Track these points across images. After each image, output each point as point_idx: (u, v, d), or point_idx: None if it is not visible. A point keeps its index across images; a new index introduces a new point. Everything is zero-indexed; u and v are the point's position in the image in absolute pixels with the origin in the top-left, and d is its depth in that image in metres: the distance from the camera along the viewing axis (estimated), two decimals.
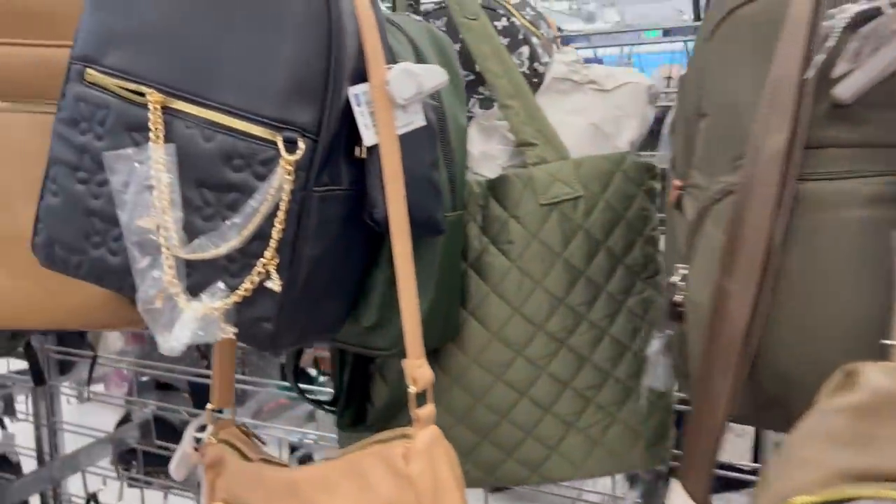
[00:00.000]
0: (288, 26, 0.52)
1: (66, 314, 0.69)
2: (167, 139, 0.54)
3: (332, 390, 0.84)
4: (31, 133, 0.68)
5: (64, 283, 0.68)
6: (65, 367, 1.49)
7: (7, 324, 0.70)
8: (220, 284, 0.53)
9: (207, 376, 1.28)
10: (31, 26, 0.67)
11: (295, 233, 0.53)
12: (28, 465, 1.53)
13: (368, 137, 0.55)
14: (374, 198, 0.56)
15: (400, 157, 0.56)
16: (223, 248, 0.52)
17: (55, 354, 1.46)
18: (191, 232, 0.54)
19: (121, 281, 0.57)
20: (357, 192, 0.57)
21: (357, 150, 0.56)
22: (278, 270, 0.53)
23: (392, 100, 0.56)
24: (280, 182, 0.52)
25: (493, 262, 0.71)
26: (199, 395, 1.55)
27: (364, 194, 0.57)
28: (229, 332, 0.53)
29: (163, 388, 1.60)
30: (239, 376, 1.49)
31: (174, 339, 0.53)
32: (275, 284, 0.53)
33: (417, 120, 0.58)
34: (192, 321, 0.53)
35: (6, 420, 1.55)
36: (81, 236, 0.58)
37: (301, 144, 0.52)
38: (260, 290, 0.53)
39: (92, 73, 0.56)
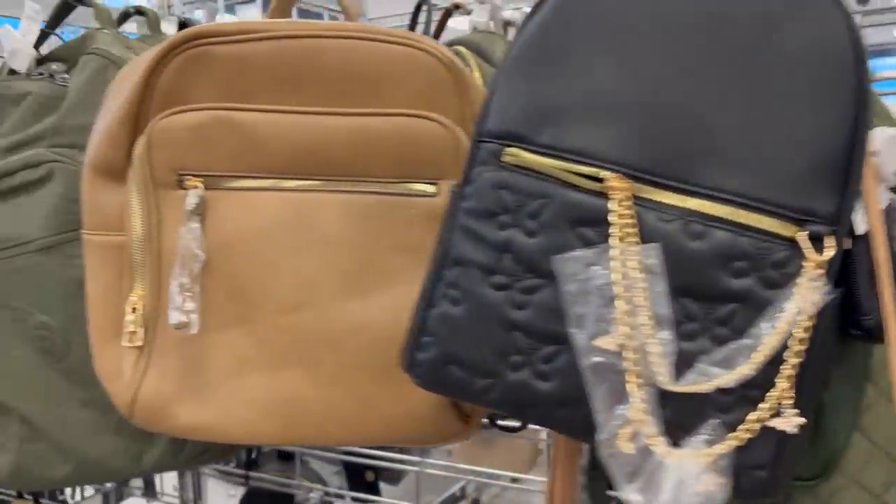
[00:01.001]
0: (811, 91, 0.42)
1: (383, 428, 0.58)
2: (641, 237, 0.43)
3: None
4: (342, 217, 0.57)
5: (381, 391, 0.57)
6: None
7: (310, 440, 0.58)
8: (713, 423, 0.43)
9: (363, 455, 1.17)
10: (350, 92, 0.56)
11: (809, 354, 0.42)
12: None
13: (860, 223, 0.46)
14: (862, 300, 0.46)
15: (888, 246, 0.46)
16: (730, 379, 0.42)
17: None
18: None
19: (549, 412, 0.46)
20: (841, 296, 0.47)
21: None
22: (796, 404, 0.42)
23: (879, 174, 0.46)
24: (805, 289, 0.41)
25: None
26: (353, 472, 1.42)
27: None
28: (724, 488, 0.42)
29: (284, 457, 1.46)
30: None
31: (660, 501, 0.42)
32: (788, 423, 0.42)
33: (885, 198, 0.49)
34: (679, 474, 0.42)
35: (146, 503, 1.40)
36: (495, 355, 0.46)
37: (830, 241, 0.42)
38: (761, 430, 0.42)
39: (517, 154, 0.45)
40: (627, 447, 0.43)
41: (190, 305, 0.54)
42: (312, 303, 0.57)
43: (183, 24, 0.90)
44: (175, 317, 0.53)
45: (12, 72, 0.74)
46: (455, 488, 1.61)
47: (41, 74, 0.72)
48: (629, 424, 0.43)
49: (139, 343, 0.56)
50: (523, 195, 0.45)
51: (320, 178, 0.56)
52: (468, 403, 0.57)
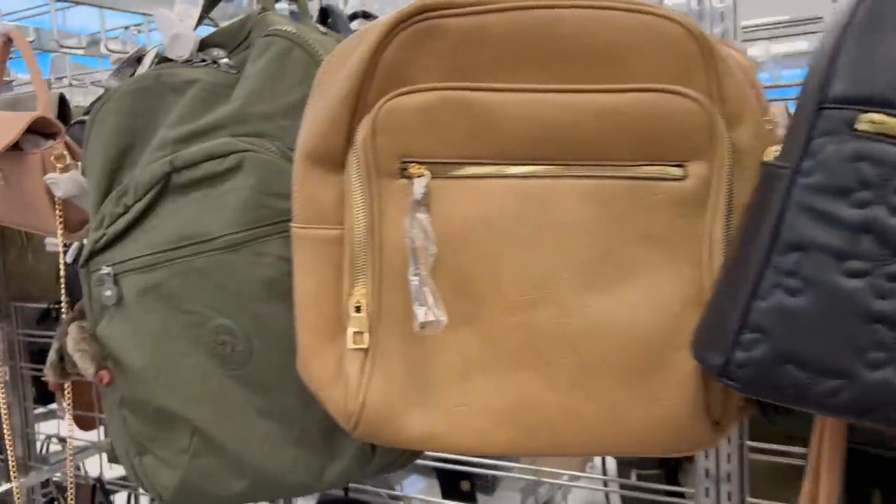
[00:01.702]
0: None
1: (629, 437, 0.52)
2: None
3: None
4: (581, 205, 0.51)
5: (628, 396, 0.52)
6: None
7: (547, 450, 0.53)
8: None
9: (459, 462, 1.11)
10: (589, 67, 0.51)
11: None
12: None
13: None
14: None
15: None
16: None
17: None
18: None
19: None
20: None
21: None
22: None
23: None
24: None
25: None
26: (449, 481, 1.37)
27: None
28: None
29: None
30: None
31: None
32: None
33: None
34: None
35: None
36: (849, 351, 0.41)
37: None
38: None
39: (882, 121, 0.40)
40: None
41: (434, 301, 0.49)
42: (548, 298, 0.51)
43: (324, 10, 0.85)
44: (423, 314, 0.48)
45: (163, 59, 0.69)
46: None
47: (203, 61, 0.67)
48: None
49: (365, 345, 0.51)
50: (889, 167, 0.39)
51: (556, 163, 0.51)
52: (726, 406, 0.52)
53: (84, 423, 1.78)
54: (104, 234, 0.65)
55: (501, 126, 0.50)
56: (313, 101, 0.54)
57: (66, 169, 0.82)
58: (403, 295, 0.51)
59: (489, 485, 1.50)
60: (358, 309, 0.51)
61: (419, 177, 0.51)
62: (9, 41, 0.87)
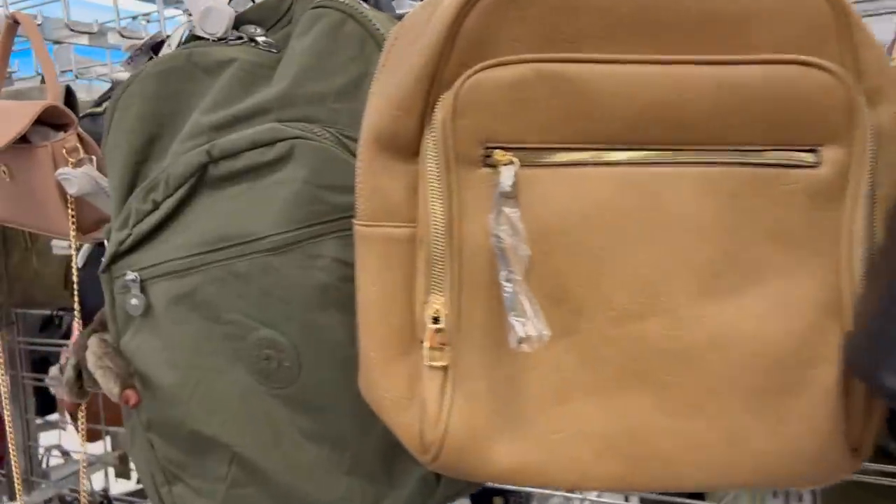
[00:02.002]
0: None
1: (755, 468, 0.45)
2: None
3: None
4: (698, 197, 0.44)
5: (755, 421, 0.44)
6: None
7: (659, 484, 0.46)
8: None
9: None
10: (706, 36, 0.43)
11: None
12: None
13: None
14: None
15: None
16: None
17: None
18: None
19: None
20: None
21: None
22: None
23: None
24: None
25: None
26: (481, 498, 1.29)
27: None
28: None
29: None
30: None
31: None
32: None
33: None
34: None
35: None
36: None
37: None
38: None
39: None
40: None
41: (533, 312, 0.41)
42: (659, 307, 0.44)
43: None
44: (521, 328, 0.40)
45: (193, 37, 0.62)
46: None
47: (240, 38, 0.60)
48: None
49: (445, 362, 0.43)
50: None
51: (664, 148, 0.44)
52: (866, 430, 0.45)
53: (89, 435, 1.71)
54: (129, 235, 0.57)
55: (601, 104, 0.43)
56: (382, 78, 0.46)
57: (79, 163, 0.74)
58: (487, 303, 0.44)
59: (523, 501, 1.42)
60: (436, 320, 0.43)
61: (507, 164, 0.43)
62: (15, 24, 0.79)
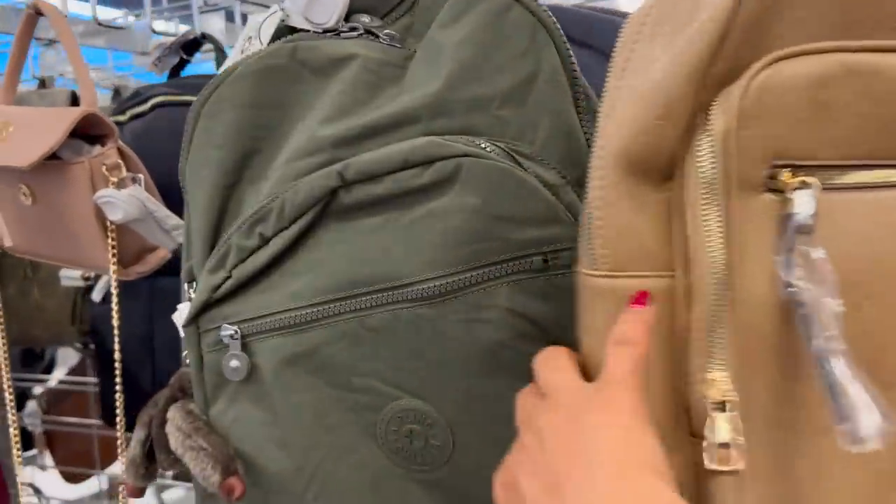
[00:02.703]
0: None
1: None
2: None
3: None
4: None
5: None
6: None
7: None
8: None
9: None
10: None
11: None
12: None
13: None
14: None
15: None
16: None
17: None
18: None
19: None
20: None
21: None
22: None
23: None
24: None
25: None
26: None
27: None
28: None
29: None
30: None
31: None
32: None
33: None
34: None
35: None
36: None
37: None
38: None
39: None
40: None
41: (871, 398, 0.30)
42: None
43: None
44: (865, 424, 0.29)
45: (292, 29, 0.50)
46: None
47: (354, 30, 0.48)
48: None
49: (739, 465, 0.32)
50: None
51: None
52: None
53: (74, 476, 1.57)
54: (227, 278, 0.44)
55: None
56: (625, 84, 0.35)
57: (121, 183, 0.61)
58: (772, 379, 0.33)
59: None
60: (724, 404, 0.32)
61: (799, 189, 0.32)
62: (36, 15, 0.65)
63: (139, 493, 0.50)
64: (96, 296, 0.84)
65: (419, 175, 0.40)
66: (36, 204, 0.65)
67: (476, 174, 0.40)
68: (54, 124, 0.60)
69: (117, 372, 0.67)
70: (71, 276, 0.90)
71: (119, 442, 0.70)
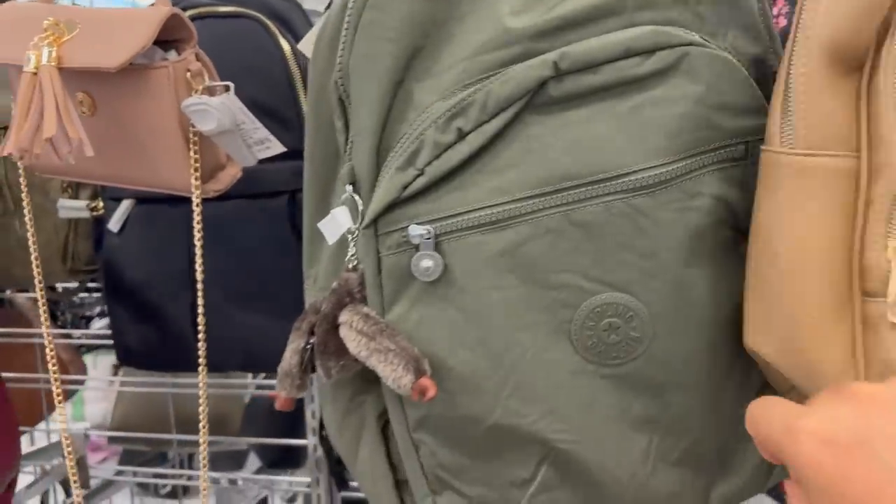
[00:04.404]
0: None
1: None
2: None
3: None
4: None
5: None
6: None
7: None
8: None
9: None
10: None
11: None
12: None
13: None
14: None
15: None
16: None
17: None
18: None
19: None
20: None
21: None
22: None
23: None
24: None
25: None
26: None
27: None
28: None
29: None
30: None
31: None
32: None
33: None
34: None
35: None
36: None
37: None
38: None
39: None
40: None
41: None
42: None
43: None
44: None
45: None
46: None
47: None
48: None
49: None
50: None
51: None
52: None
53: None
54: (418, 176, 0.43)
55: None
56: None
57: (209, 91, 0.57)
58: None
59: None
60: None
61: None
62: None
63: (292, 404, 0.48)
64: (114, 225, 0.77)
65: (640, 64, 0.41)
66: (95, 116, 0.59)
67: (701, 63, 0.40)
68: (135, 24, 0.55)
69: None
70: (72, 207, 0.82)
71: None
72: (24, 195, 0.67)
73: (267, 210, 0.70)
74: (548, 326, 0.44)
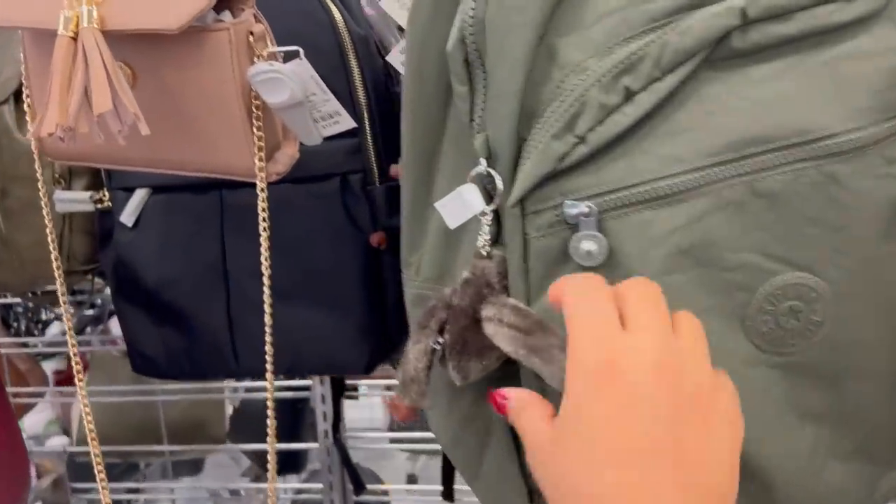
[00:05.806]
0: None
1: None
2: None
3: None
4: None
5: None
6: None
7: None
8: None
9: None
10: None
11: None
12: None
13: None
14: None
15: None
16: None
17: None
18: None
19: None
20: None
21: None
22: None
23: None
24: None
25: None
26: None
27: None
28: None
29: None
30: None
31: None
32: None
33: None
34: None
35: None
36: None
37: None
38: None
39: None
40: None
41: None
42: None
43: None
44: None
45: None
46: None
47: None
48: None
49: None
50: None
51: None
52: None
53: None
54: (578, 144, 0.37)
55: None
56: None
57: (275, 57, 0.50)
58: None
59: None
60: None
61: None
62: None
63: (415, 415, 0.41)
64: (127, 218, 0.69)
65: (841, 9, 0.35)
66: (135, 89, 0.51)
67: None
68: None
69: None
70: (72, 199, 0.73)
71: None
72: (40, 185, 0.59)
73: (316, 195, 0.63)
74: (722, 312, 0.38)
